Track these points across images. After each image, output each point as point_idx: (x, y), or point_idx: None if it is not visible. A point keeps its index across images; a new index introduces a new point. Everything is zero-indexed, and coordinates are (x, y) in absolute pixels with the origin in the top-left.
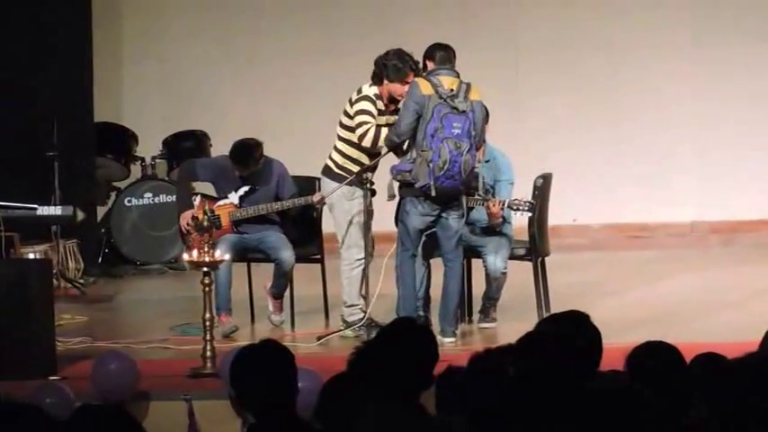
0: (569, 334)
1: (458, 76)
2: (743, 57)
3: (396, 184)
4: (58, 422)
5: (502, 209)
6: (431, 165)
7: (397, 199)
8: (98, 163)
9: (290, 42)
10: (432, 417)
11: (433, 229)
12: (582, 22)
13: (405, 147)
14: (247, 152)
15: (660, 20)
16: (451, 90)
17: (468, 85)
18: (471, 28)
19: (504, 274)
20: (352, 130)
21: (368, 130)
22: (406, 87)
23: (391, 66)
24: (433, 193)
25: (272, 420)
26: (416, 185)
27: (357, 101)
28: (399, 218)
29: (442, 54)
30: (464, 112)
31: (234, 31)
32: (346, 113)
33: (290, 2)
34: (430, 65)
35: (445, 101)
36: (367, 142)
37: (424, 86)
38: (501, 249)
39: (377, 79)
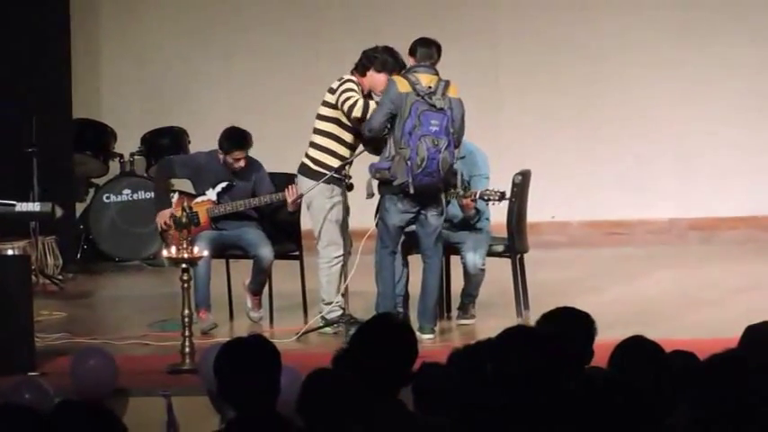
0: (553, 332)
1: (436, 74)
2: (721, 56)
3: (375, 183)
4: (39, 418)
5: (474, 200)
6: (409, 162)
7: (377, 197)
8: (76, 159)
9: (268, 39)
10: (418, 415)
11: (412, 226)
12: (561, 24)
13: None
14: (242, 134)
15: (639, 20)
16: (429, 87)
17: (447, 82)
18: (451, 29)
19: (483, 270)
20: (332, 120)
21: (356, 101)
22: None
23: (382, 58)
24: (412, 191)
25: (253, 416)
26: (395, 183)
27: (340, 86)
28: (379, 215)
29: (423, 51)
30: (442, 109)
31: (212, 28)
32: (326, 103)
33: None
34: (411, 61)
35: (423, 98)
36: (357, 112)
37: (402, 84)
38: (479, 246)
39: (361, 69)
